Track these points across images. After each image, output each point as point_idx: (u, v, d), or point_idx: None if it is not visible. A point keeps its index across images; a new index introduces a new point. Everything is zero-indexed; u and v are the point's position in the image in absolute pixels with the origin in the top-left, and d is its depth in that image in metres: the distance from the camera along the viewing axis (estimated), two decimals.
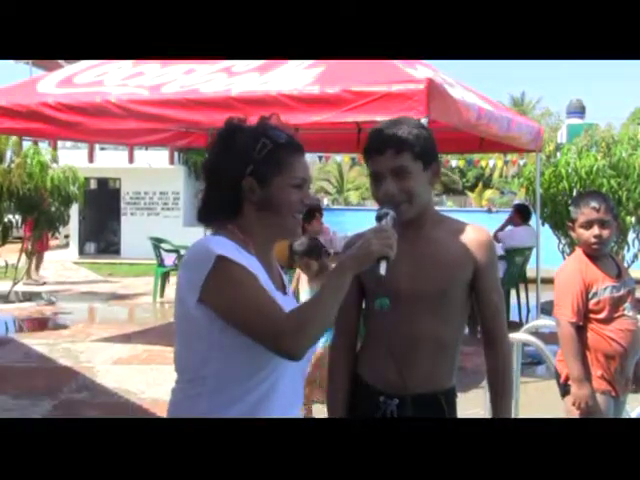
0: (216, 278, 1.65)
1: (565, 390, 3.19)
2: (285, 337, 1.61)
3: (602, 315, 3.11)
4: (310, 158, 14.06)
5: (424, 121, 4.71)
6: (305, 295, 4.60)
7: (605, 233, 3.10)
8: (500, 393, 2.14)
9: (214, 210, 1.81)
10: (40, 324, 8.48)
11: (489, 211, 20.07)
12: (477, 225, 2.17)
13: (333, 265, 1.80)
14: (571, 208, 3.26)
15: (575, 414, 3.09)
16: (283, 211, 1.78)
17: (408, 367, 2.06)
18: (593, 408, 3.07)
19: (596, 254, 3.15)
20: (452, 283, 2.06)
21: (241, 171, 1.75)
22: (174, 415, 1.80)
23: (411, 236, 2.07)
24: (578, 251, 3.24)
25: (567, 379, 3.17)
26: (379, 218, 1.89)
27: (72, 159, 11.75)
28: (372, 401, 2.10)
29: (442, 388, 2.10)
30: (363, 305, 2.22)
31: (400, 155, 1.99)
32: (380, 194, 2.03)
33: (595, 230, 3.09)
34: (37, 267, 11.11)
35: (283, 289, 1.86)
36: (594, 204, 3.11)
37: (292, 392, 1.80)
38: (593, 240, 3.10)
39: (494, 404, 2.14)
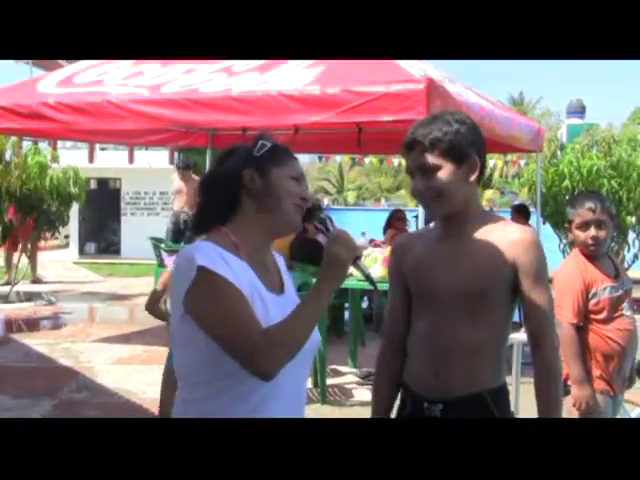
0: (196, 290, 1.64)
1: (565, 390, 3.20)
2: (258, 357, 1.59)
3: (602, 315, 3.11)
4: (310, 158, 14.04)
5: None
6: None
7: (602, 234, 3.10)
8: (548, 398, 2.03)
9: (211, 215, 1.81)
10: (40, 324, 8.47)
11: (491, 210, 20.05)
12: (522, 225, 2.14)
13: None
14: (568, 209, 3.27)
15: (575, 414, 3.10)
16: (283, 199, 1.78)
17: (447, 370, 2.02)
18: (593, 409, 3.07)
19: (593, 254, 3.15)
20: (490, 283, 2.00)
21: (241, 167, 1.78)
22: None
23: (451, 233, 2.06)
24: (576, 251, 3.24)
25: (566, 379, 3.17)
26: (322, 222, 1.84)
27: (72, 159, 11.74)
28: (417, 408, 2.07)
29: (487, 387, 2.02)
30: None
31: (426, 152, 1.99)
32: (412, 191, 2.07)
33: (592, 231, 3.10)
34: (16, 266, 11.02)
35: (279, 288, 1.85)
36: (590, 205, 3.11)
37: (293, 395, 1.79)
38: (590, 241, 3.11)
39: (542, 408, 2.03)
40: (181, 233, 10.34)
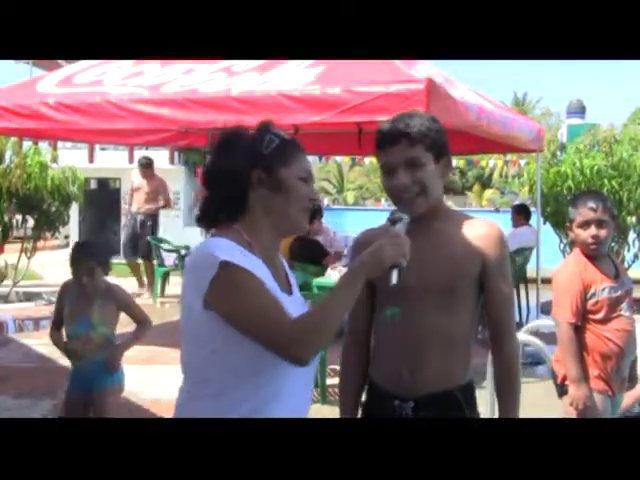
0: (221, 285, 1.63)
1: (562, 390, 3.20)
2: (293, 344, 1.60)
3: (599, 315, 3.11)
4: (310, 158, 13.99)
5: None
6: None
7: (602, 233, 3.10)
8: (507, 391, 2.10)
9: (218, 211, 1.79)
10: (40, 324, 8.47)
11: (497, 210, 19.99)
12: (488, 220, 2.16)
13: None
14: (569, 208, 3.27)
15: (573, 414, 3.10)
16: (292, 202, 1.77)
17: (419, 365, 2.03)
18: (590, 409, 3.07)
19: (594, 254, 3.15)
20: (461, 277, 2.03)
21: (249, 166, 1.75)
22: (179, 415, 1.80)
23: (422, 230, 2.05)
24: (576, 251, 3.24)
25: (564, 379, 3.17)
26: (393, 222, 1.86)
27: (72, 159, 11.72)
28: (387, 406, 2.06)
29: (457, 384, 2.05)
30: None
31: (413, 146, 1.98)
32: (393, 186, 2.02)
33: (592, 230, 3.10)
34: None
35: (289, 288, 1.85)
36: (591, 204, 3.11)
37: (298, 396, 1.80)
38: (590, 240, 3.11)
39: (501, 402, 2.10)
40: (136, 238, 9.73)
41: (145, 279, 10.10)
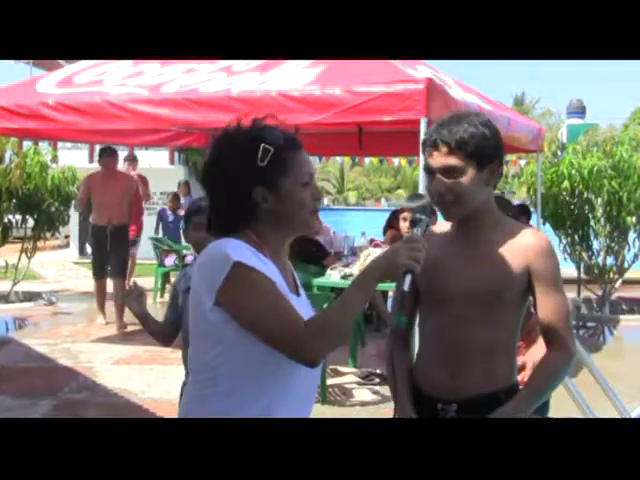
0: (234, 284, 1.63)
1: None
2: (304, 345, 1.60)
3: None
4: (310, 158, 13.89)
5: (423, 121, 4.71)
6: None
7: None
8: (529, 387, 2.04)
9: (227, 221, 1.76)
10: (40, 324, 8.47)
11: None
12: (536, 230, 2.14)
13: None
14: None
15: None
16: (298, 211, 1.76)
17: (462, 370, 2.02)
18: None
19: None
20: (505, 286, 2.00)
21: (248, 182, 1.72)
22: (186, 414, 1.80)
23: (467, 236, 2.05)
24: None
25: None
26: (413, 224, 1.85)
27: (72, 159, 11.74)
28: (430, 409, 2.06)
29: (502, 386, 2.03)
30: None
31: (452, 153, 1.95)
32: (430, 190, 2.03)
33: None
34: None
35: (296, 290, 1.85)
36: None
37: (305, 395, 1.81)
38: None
39: (519, 392, 2.04)
40: (106, 254, 7.87)
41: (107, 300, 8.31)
